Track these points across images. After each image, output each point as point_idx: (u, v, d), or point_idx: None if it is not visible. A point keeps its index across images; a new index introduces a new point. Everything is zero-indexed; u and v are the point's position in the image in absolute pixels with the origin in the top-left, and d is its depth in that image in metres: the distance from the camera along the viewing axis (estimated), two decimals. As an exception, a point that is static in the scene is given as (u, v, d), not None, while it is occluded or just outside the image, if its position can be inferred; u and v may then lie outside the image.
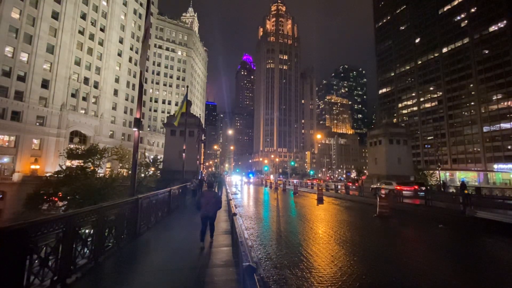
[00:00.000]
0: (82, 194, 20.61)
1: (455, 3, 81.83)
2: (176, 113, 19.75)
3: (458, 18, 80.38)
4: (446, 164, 78.22)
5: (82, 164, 29.45)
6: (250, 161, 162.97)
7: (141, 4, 65.43)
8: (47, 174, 34.32)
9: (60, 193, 24.03)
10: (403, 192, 19.73)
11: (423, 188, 22.99)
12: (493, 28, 70.99)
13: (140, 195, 8.33)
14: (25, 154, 40.12)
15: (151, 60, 76.62)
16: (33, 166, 40.69)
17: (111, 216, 6.32)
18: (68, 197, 22.26)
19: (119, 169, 43.89)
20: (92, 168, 29.17)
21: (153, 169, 38.55)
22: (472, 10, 76.65)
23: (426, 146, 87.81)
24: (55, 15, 45.22)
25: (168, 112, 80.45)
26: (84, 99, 50.22)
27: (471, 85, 74.96)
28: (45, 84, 43.44)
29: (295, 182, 41.28)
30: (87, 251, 5.37)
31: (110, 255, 6.12)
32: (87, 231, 5.61)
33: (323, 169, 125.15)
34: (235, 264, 5.46)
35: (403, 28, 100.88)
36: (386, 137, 40.05)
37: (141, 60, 8.82)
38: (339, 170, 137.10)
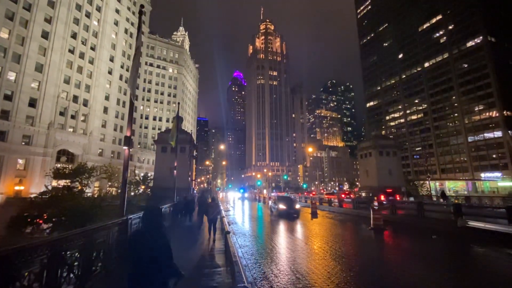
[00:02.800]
0: (68, 216, 19.85)
1: (434, 21, 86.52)
2: (172, 133, 19.57)
3: (437, 34, 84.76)
4: (435, 174, 79.65)
5: (69, 184, 28.61)
6: (242, 176, 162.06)
7: (132, 24, 66.42)
8: (32, 195, 33.06)
9: (45, 215, 23.09)
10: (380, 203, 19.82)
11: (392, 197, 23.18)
12: (470, 43, 75.00)
13: (130, 215, 8.08)
14: (9, 175, 38.73)
15: (142, 77, 76.95)
16: (17, 187, 39.21)
17: (99, 238, 6.07)
18: (54, 219, 21.39)
19: (108, 188, 42.81)
20: (80, 188, 28.36)
21: (143, 187, 37.79)
22: (450, 27, 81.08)
23: (415, 156, 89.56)
24: (45, 35, 45.30)
25: (159, 129, 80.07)
26: (72, 117, 49.54)
27: (454, 97, 77.99)
28: (32, 103, 42.76)
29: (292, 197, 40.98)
30: (73, 277, 5.10)
31: (98, 280, 5.82)
32: (73, 255, 5.34)
33: (316, 182, 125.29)
34: (230, 285, 5.28)
35: (386, 44, 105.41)
36: (376, 149, 40.69)
37: (131, 77, 8.83)
38: (332, 183, 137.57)
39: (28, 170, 41.10)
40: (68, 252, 4.95)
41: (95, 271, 5.93)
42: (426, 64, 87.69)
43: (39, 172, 41.64)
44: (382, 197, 29.66)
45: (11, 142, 38.93)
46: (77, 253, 5.30)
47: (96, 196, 28.23)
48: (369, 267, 7.93)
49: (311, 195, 48.61)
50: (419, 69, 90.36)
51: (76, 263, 5.22)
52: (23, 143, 41.01)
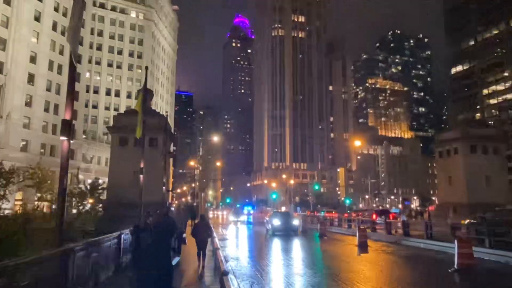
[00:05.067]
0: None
1: None
2: (138, 120, 19.59)
3: None
4: None
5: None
6: (248, 184, 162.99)
7: None
8: None
9: None
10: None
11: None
12: None
13: (72, 244, 8.25)
14: None
15: (89, 27, 77.45)
16: None
17: (24, 280, 6.23)
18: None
19: (36, 202, 43.76)
20: (-7, 201, 29.12)
21: (91, 201, 38.47)
22: None
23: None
24: None
25: (115, 109, 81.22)
26: (-20, 90, 50.58)
27: None
28: None
29: (320, 217, 40.95)
30: None
31: None
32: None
33: (366, 196, 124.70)
34: None
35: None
36: (465, 142, 40.10)
37: (71, 26, 8.88)
38: (392, 197, 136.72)
39: None
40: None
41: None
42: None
43: None
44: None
45: None
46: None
47: (18, 214, 28.92)
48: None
49: (359, 215, 48.37)
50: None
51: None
52: None
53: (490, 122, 78.02)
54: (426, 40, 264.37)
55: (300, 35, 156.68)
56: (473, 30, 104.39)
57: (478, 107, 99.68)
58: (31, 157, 52.86)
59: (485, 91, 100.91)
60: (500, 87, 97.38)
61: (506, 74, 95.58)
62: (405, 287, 12.12)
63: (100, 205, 36.97)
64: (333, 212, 58.87)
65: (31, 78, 58.14)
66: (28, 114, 57.38)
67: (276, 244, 25.85)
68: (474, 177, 39.08)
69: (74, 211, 34.13)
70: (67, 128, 7.82)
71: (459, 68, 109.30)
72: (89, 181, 45.69)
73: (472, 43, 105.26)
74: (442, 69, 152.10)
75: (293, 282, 13.05)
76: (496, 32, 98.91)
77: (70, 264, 7.84)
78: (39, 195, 43.24)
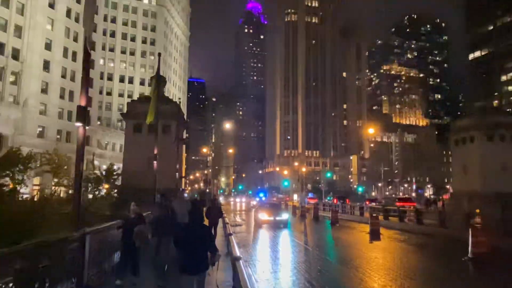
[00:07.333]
0: (-5, 227, 21.00)
1: None
2: (150, 106, 19.76)
3: None
4: None
5: (-6, 180, 30.03)
6: (260, 172, 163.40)
7: None
8: None
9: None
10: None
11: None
12: None
13: (89, 228, 8.42)
14: None
15: (102, 13, 77.65)
16: None
17: (42, 262, 6.41)
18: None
19: (53, 187, 44.60)
20: (11, 186, 29.73)
21: (106, 186, 39.03)
22: None
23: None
24: None
25: (129, 96, 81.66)
26: (-3, 76, 51.42)
27: None
28: None
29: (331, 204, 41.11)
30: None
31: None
32: (4, 286, 5.69)
33: (379, 184, 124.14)
34: None
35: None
36: (482, 130, 39.42)
37: (85, 13, 8.93)
38: (405, 185, 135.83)
39: None
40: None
41: (38, 310, 6.31)
42: None
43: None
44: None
45: None
46: (11, 283, 5.65)
47: (36, 198, 29.52)
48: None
49: (373, 203, 48.56)
50: None
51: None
52: None
53: (508, 110, 76.50)
54: (443, 25, 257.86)
55: (313, 20, 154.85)
56: (493, 15, 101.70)
57: (495, 94, 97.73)
58: (47, 143, 53.78)
59: (503, 78, 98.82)
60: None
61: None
62: (417, 274, 12.11)
63: (115, 190, 37.43)
64: (347, 200, 58.89)
65: (46, 65, 58.75)
66: (44, 101, 58.21)
67: (287, 229, 26.03)
68: (490, 166, 38.47)
69: (90, 196, 34.63)
70: (83, 114, 7.92)
71: (477, 53, 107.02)
72: (104, 167, 46.19)
73: (491, 27, 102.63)
74: (460, 55, 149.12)
75: (308, 268, 13.17)
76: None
77: (86, 247, 8.03)
78: (56, 180, 43.99)
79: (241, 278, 6.21)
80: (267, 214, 24.95)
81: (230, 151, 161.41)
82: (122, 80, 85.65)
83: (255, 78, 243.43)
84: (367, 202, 55.75)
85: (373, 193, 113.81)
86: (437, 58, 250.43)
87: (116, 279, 8.65)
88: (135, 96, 76.15)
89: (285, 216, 26.23)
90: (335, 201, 59.82)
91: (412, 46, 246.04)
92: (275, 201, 47.59)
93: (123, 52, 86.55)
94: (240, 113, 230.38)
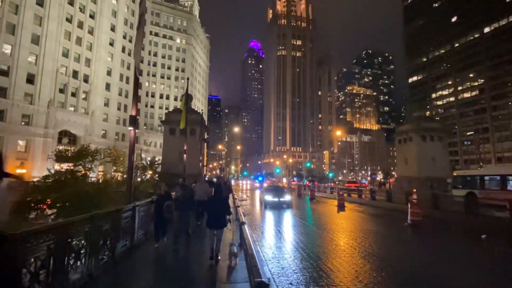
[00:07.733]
0: (72, 202, 21.03)
1: (499, -27, 79.53)
2: (182, 116, 19.93)
3: (503, -10, 78.12)
4: (489, 163, 76.17)
5: (72, 167, 30.09)
6: (259, 162, 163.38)
7: (134, -13, 66.40)
8: (35, 179, 35.29)
9: (48, 200, 24.62)
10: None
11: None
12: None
13: (137, 202, 8.48)
14: (10, 157, 41.36)
15: (147, 49, 77.70)
16: (19, 171, 41.90)
17: (105, 225, 6.46)
18: (58, 205, 22.77)
19: (112, 173, 44.71)
20: (83, 172, 29.80)
21: (150, 172, 39.11)
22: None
23: (465, 143, 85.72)
24: (40, 1, 46.29)
25: (166, 108, 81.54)
26: (73, 95, 51.44)
27: (520, 71, 72.78)
28: (30, 79, 44.67)
29: (310, 185, 41.13)
30: (80, 265, 5.51)
31: (106, 270, 6.25)
32: (79, 242, 5.73)
33: (344, 171, 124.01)
34: (247, 280, 5.50)
35: (436, 5, 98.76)
36: (417, 133, 39.39)
37: (135, 49, 8.96)
38: (363, 172, 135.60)
39: (29, 152, 43.72)
40: (74, 239, 5.32)
41: (102, 259, 6.36)
42: (487, 29, 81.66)
43: (40, 154, 44.19)
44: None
45: (10, 122, 41.29)
46: (83, 240, 5.69)
47: (100, 181, 29.66)
48: (403, 268, 7.92)
49: (338, 185, 48.58)
50: (476, 35, 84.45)
51: (83, 251, 5.62)
52: (23, 123, 43.40)
53: (436, 118, 76.45)
54: (390, 57, 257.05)
55: (297, 54, 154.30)
56: (426, 50, 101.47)
57: (428, 106, 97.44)
58: (108, 142, 53.93)
59: (433, 95, 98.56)
60: (445, 92, 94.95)
61: (449, 82, 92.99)
62: (371, 235, 12.17)
63: (157, 175, 37.49)
64: (315, 182, 59.05)
65: (107, 86, 58.84)
66: (106, 112, 58.31)
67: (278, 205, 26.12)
68: (423, 158, 38.49)
69: (139, 179, 34.74)
70: (133, 121, 8.00)
71: (415, 78, 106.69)
72: (149, 158, 46.36)
73: (425, 59, 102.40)
74: (402, 79, 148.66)
75: (292, 231, 13.24)
76: (443, 51, 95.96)
77: (135, 216, 8.09)
78: (114, 168, 44.18)
79: (245, 237, 6.30)
80: (273, 196, 21.94)
81: (238, 147, 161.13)
82: (161, 97, 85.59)
83: (256, 95, 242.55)
84: (331, 184, 56.47)
85: (340, 178, 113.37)
86: (386, 81, 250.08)
87: (155, 242, 8.56)
88: (171, 108, 76.12)
89: (288, 197, 22.41)
90: (307, 183, 59.57)
91: (368, 73, 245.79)
92: (277, 184, 45.03)
93: (162, 77, 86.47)
94: (245, 120, 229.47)
